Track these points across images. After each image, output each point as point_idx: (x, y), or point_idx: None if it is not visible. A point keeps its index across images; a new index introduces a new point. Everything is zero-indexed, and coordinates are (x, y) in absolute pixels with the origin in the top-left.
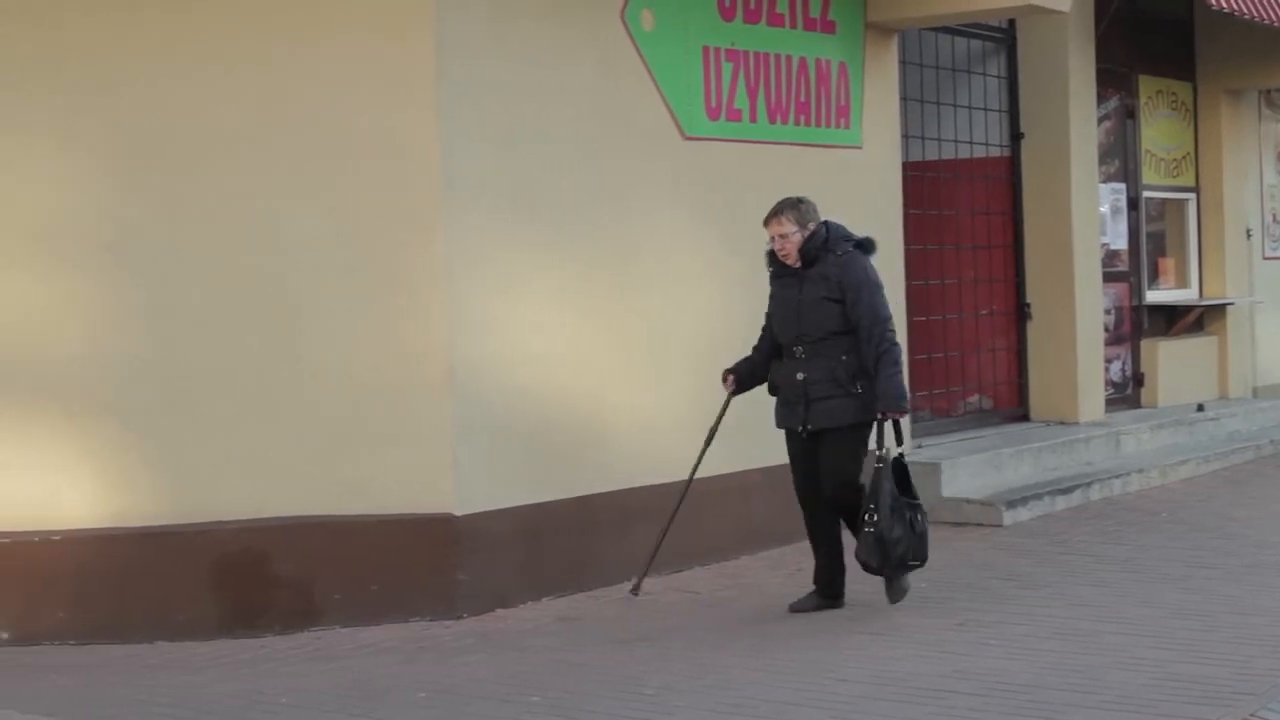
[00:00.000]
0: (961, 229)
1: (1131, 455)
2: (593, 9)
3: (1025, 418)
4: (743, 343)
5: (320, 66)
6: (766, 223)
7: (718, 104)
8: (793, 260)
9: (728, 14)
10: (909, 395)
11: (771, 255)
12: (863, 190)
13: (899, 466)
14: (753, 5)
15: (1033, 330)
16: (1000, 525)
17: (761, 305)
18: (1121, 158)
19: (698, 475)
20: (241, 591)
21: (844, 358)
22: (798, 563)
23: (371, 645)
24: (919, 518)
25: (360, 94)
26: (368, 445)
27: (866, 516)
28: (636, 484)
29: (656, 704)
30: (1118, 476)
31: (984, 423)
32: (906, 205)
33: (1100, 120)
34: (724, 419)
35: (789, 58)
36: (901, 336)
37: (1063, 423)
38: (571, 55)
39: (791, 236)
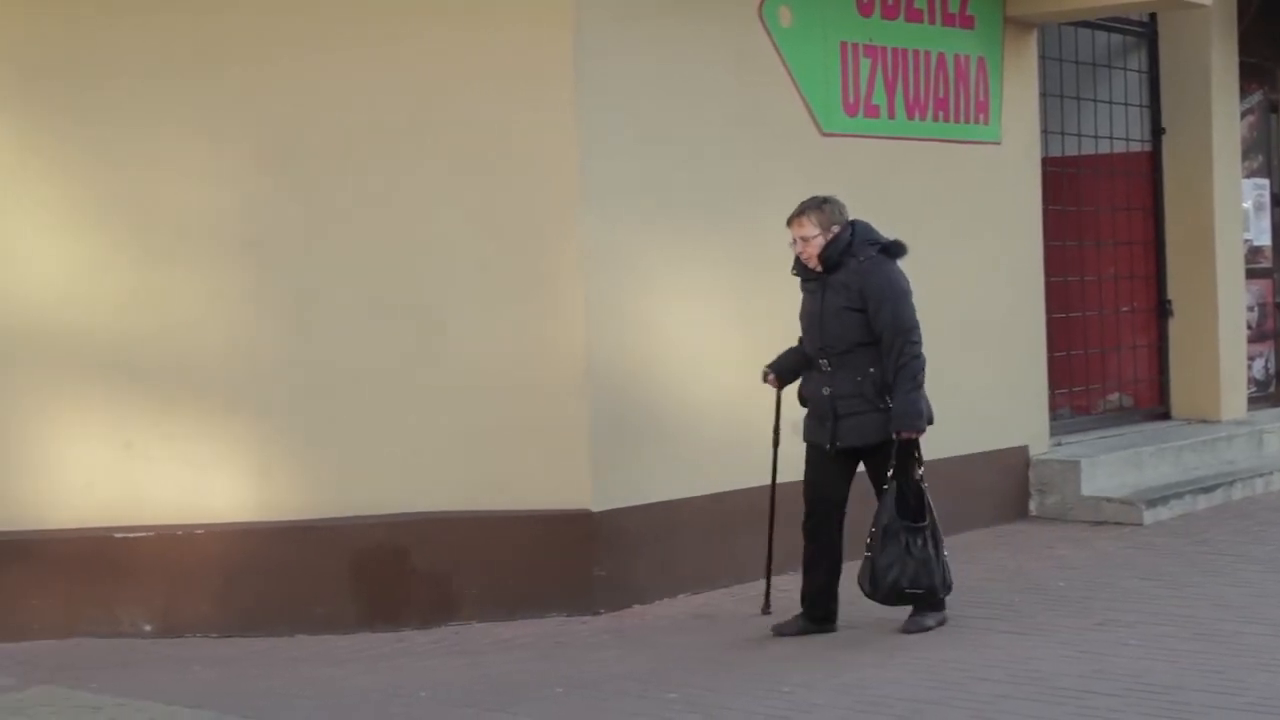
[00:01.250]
0: (1101, 225)
1: (1274, 454)
2: (729, 6)
3: (1166, 416)
4: None
5: (461, 66)
6: (789, 222)
7: (855, 100)
8: (813, 264)
9: (865, 10)
10: (926, 414)
11: (798, 258)
12: (1001, 186)
13: (915, 489)
14: (890, 1)
15: (1174, 327)
16: (1140, 524)
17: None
18: (1265, 152)
19: None
20: (381, 586)
21: (871, 370)
22: None
23: (509, 640)
24: (919, 541)
25: (499, 93)
26: (506, 441)
27: (868, 540)
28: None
29: (794, 701)
30: (1260, 475)
31: (1124, 421)
32: (1046, 201)
33: (1243, 115)
34: (783, 416)
35: (927, 53)
36: (1040, 333)
37: (1204, 421)
38: (708, 53)
39: (813, 240)
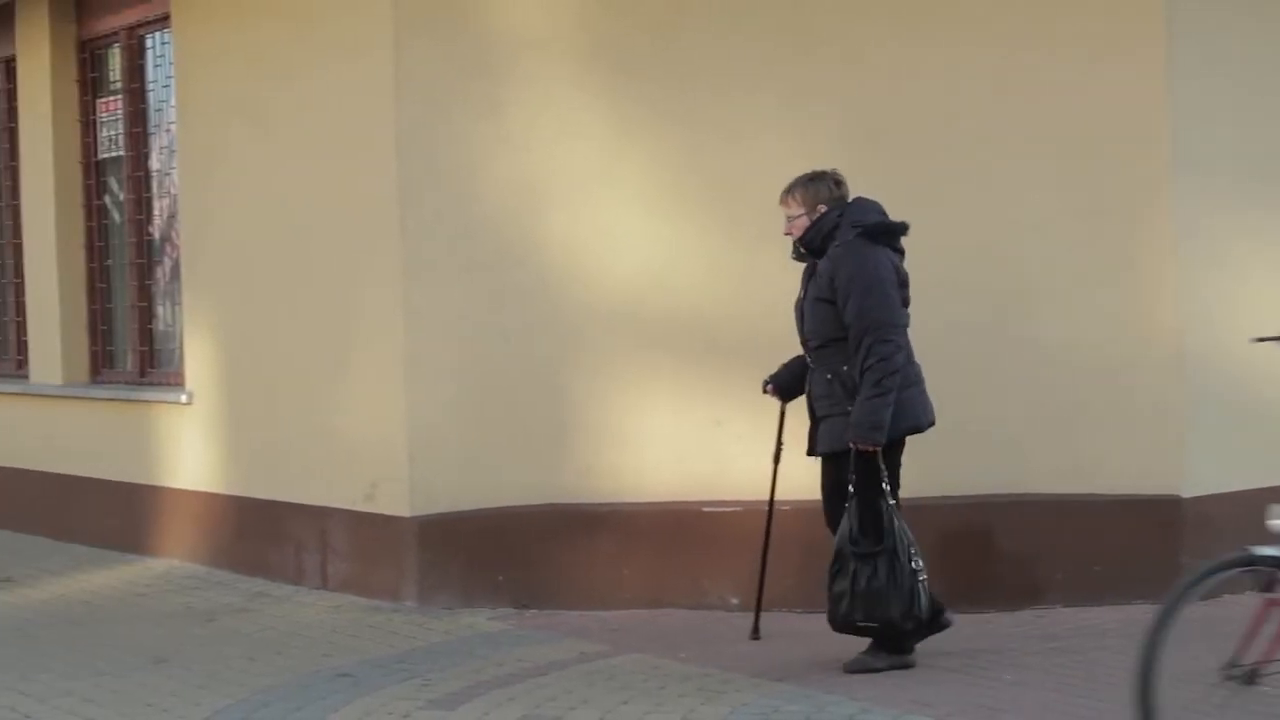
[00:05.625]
0: None
1: None
2: None
3: None
4: None
5: (1050, 44)
6: (780, 200)
7: None
8: (801, 245)
9: None
10: (887, 426)
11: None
12: None
13: (874, 509)
14: None
15: None
16: None
17: None
18: None
19: None
20: (966, 567)
21: (845, 368)
22: None
23: (1092, 626)
24: (869, 570)
25: (1084, 67)
26: (1093, 425)
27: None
28: None
29: None
30: None
31: None
32: None
33: None
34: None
35: None
36: None
37: None
38: None
39: (797, 220)
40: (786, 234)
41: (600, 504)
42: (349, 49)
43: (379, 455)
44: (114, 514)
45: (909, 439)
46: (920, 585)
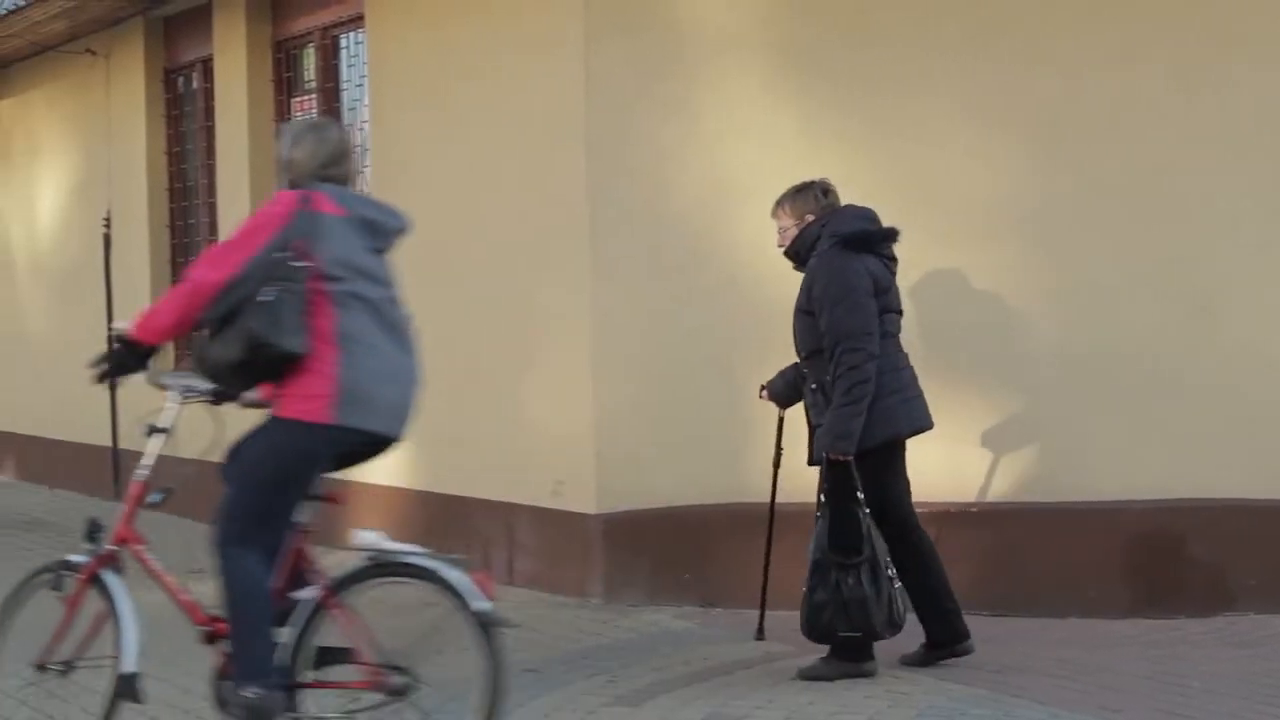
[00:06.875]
0: None
1: None
2: None
3: None
4: None
5: (1231, 42)
6: (772, 212)
7: None
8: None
9: None
10: (856, 435)
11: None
12: None
13: (852, 517)
14: None
15: None
16: None
17: None
18: None
19: None
20: (1156, 571)
21: (827, 378)
22: None
23: None
24: (850, 580)
25: (1274, 70)
26: None
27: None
28: None
29: None
30: None
31: None
32: None
33: None
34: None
35: None
36: None
37: None
38: None
39: (786, 231)
40: (778, 246)
41: (786, 504)
42: (540, 47)
43: (565, 452)
44: None
45: (910, 446)
46: (895, 592)
